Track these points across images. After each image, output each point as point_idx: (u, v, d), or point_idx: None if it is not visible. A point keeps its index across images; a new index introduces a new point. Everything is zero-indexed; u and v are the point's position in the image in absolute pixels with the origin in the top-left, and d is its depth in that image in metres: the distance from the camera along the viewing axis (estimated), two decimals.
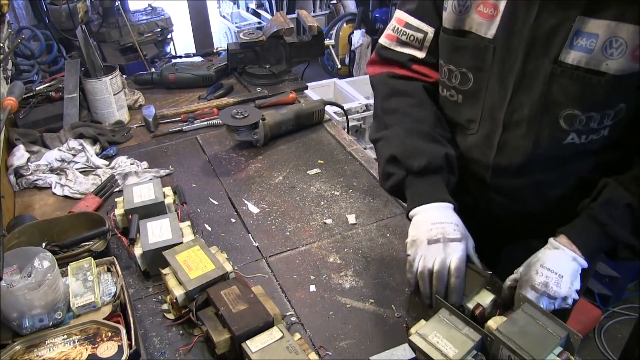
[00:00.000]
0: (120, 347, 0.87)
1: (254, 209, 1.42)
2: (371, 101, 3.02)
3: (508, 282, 1.06)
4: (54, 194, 1.49)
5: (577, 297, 1.01)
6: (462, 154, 1.19)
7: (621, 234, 1.01)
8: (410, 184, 1.11)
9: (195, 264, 1.07)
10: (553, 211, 1.13)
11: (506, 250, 1.28)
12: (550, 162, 1.10)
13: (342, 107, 2.03)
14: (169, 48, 3.41)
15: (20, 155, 1.56)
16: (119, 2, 3.02)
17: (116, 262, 1.05)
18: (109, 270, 1.05)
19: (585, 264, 1.02)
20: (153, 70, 2.24)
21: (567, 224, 1.05)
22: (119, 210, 1.26)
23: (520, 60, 1.01)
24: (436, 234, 1.02)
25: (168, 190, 1.34)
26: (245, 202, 1.45)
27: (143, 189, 1.30)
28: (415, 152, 1.10)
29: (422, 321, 0.97)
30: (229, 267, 1.08)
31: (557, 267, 1.00)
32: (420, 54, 1.20)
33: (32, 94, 1.84)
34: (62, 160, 1.59)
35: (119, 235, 1.22)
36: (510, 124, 1.08)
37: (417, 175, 1.10)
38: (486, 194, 1.20)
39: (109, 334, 0.90)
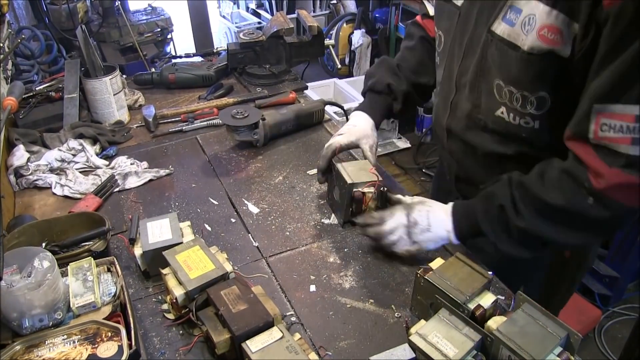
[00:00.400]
0: (120, 347, 0.87)
1: (254, 209, 1.42)
2: None
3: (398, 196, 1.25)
4: (54, 194, 1.49)
5: (400, 249, 1.19)
6: (433, 119, 1.42)
7: (486, 229, 1.09)
8: (365, 96, 1.53)
9: (195, 264, 1.07)
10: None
11: None
12: (491, 135, 1.17)
13: (342, 107, 2.03)
14: (169, 48, 3.41)
15: (20, 155, 1.56)
16: (119, 2, 3.02)
17: (116, 262, 1.05)
18: (109, 270, 1.05)
19: (454, 241, 1.15)
20: (153, 70, 2.24)
21: None
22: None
23: (472, 26, 1.11)
24: (339, 132, 1.43)
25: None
26: (245, 202, 1.45)
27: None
28: (371, 74, 1.50)
29: (422, 321, 0.97)
30: (229, 267, 1.08)
31: (435, 223, 1.14)
32: (431, 10, 1.38)
33: (32, 94, 1.84)
34: (62, 160, 1.59)
35: (121, 236, 1.21)
36: (460, 85, 1.19)
37: (367, 91, 1.51)
38: (446, 157, 1.37)
39: (109, 334, 0.90)
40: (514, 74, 1.03)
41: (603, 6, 0.85)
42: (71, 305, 0.94)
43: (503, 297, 1.11)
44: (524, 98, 1.05)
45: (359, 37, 4.68)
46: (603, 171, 0.92)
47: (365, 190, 1.29)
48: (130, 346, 0.87)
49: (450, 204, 1.16)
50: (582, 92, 0.95)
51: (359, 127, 1.42)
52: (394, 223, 1.17)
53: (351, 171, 1.31)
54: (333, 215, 1.39)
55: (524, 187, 1.04)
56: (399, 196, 1.25)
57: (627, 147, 0.88)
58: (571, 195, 0.97)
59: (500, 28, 1.03)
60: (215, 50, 2.48)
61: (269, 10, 4.98)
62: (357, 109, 1.49)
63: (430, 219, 1.14)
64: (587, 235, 1.05)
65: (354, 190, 1.28)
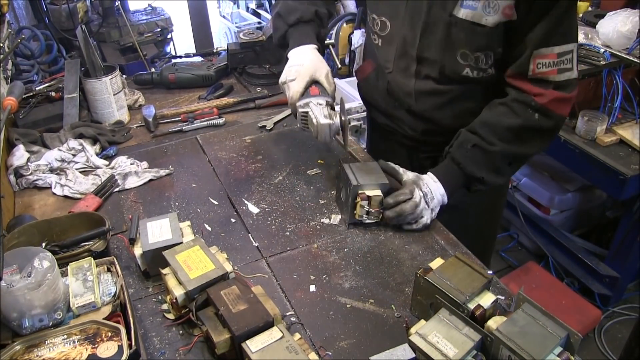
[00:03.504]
0: (120, 347, 0.87)
1: (254, 209, 1.42)
2: None
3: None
4: (54, 194, 1.49)
5: (429, 221, 1.34)
6: (387, 91, 1.52)
7: (472, 170, 1.37)
8: (289, 34, 1.47)
9: (195, 264, 1.07)
10: (458, 126, 1.43)
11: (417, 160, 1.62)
12: (456, 87, 1.41)
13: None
14: (169, 48, 3.40)
15: (20, 155, 1.56)
16: (119, 2, 3.02)
17: (116, 262, 1.05)
18: (109, 270, 1.05)
19: (446, 201, 1.37)
20: (153, 70, 2.24)
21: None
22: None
23: (424, 12, 1.32)
24: (284, 77, 1.41)
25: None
26: (245, 202, 1.45)
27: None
28: (292, 10, 1.46)
29: (422, 321, 0.97)
30: (229, 267, 1.08)
31: (434, 190, 1.35)
32: None
33: (32, 94, 1.84)
34: (62, 160, 1.59)
35: (121, 236, 1.21)
36: (422, 58, 1.39)
37: (293, 27, 1.46)
38: (407, 118, 1.52)
39: (109, 334, 0.90)
40: (480, 44, 1.31)
41: None
42: (71, 305, 0.95)
43: (503, 297, 1.11)
44: (487, 56, 1.33)
45: (359, 37, 4.67)
46: (543, 92, 1.29)
47: (371, 192, 1.28)
48: (130, 346, 0.87)
49: (428, 173, 1.39)
50: (518, 41, 1.27)
51: (306, 64, 1.39)
52: (418, 196, 1.32)
53: (358, 173, 1.32)
54: (333, 215, 1.39)
55: (485, 124, 1.36)
56: (394, 166, 1.39)
57: (554, 75, 1.28)
58: (523, 115, 1.32)
59: (462, 13, 1.27)
60: (215, 50, 2.48)
61: (269, 10, 4.98)
62: (291, 47, 1.45)
63: (431, 188, 1.35)
64: (539, 144, 1.41)
65: (359, 192, 1.28)
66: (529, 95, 1.32)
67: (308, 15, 1.45)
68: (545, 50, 1.26)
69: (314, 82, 1.39)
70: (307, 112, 1.34)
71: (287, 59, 1.44)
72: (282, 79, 1.42)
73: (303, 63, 1.39)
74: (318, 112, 1.31)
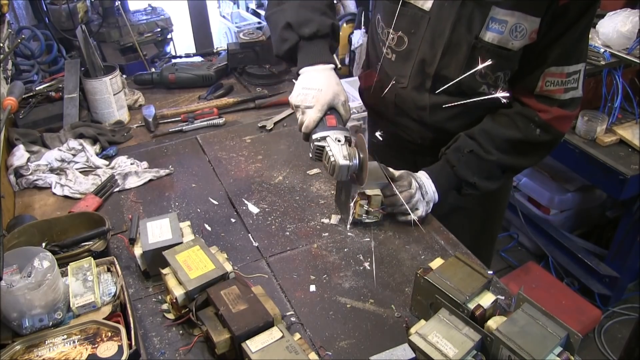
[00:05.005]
0: (120, 347, 0.87)
1: (254, 209, 1.42)
2: None
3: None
4: (54, 194, 1.49)
5: (424, 213, 1.35)
6: (396, 104, 1.49)
7: (465, 174, 1.38)
8: (301, 47, 1.33)
9: (195, 264, 1.07)
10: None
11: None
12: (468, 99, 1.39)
13: None
14: (169, 48, 3.40)
15: (20, 155, 1.56)
16: (119, 2, 3.01)
17: (116, 262, 1.05)
18: (109, 270, 1.05)
19: (437, 199, 1.38)
20: (153, 70, 2.23)
21: None
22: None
23: (448, 31, 1.29)
24: (298, 101, 1.28)
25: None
26: (245, 202, 1.45)
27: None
28: (306, 21, 1.31)
29: (422, 321, 0.97)
30: (229, 267, 1.08)
31: (427, 185, 1.36)
32: None
33: (32, 94, 1.84)
34: (62, 160, 1.59)
35: (121, 236, 1.21)
36: (440, 76, 1.37)
37: (307, 40, 1.32)
38: (417, 128, 1.50)
39: (109, 334, 0.90)
40: (504, 65, 1.31)
41: (559, 4, 1.19)
42: (71, 305, 0.95)
43: (503, 297, 1.11)
44: (505, 75, 1.34)
45: (359, 37, 4.67)
46: (547, 109, 1.32)
47: (371, 192, 1.29)
48: (130, 346, 0.88)
49: (421, 171, 1.40)
50: (532, 59, 1.29)
51: (325, 89, 1.26)
52: (414, 187, 1.34)
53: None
54: (333, 215, 1.39)
55: (485, 132, 1.38)
56: (391, 169, 1.39)
57: (560, 94, 1.31)
58: (525, 130, 1.35)
59: (488, 36, 1.26)
60: (215, 50, 2.48)
61: None
62: (305, 64, 1.32)
63: (425, 183, 1.37)
64: (535, 157, 1.46)
65: (359, 191, 1.28)
66: (533, 110, 1.33)
67: (325, 29, 1.33)
68: (556, 69, 1.28)
69: (330, 109, 1.28)
70: (323, 147, 1.25)
71: (297, 74, 1.34)
72: (295, 100, 1.28)
73: (322, 88, 1.26)
74: (337, 151, 1.21)
